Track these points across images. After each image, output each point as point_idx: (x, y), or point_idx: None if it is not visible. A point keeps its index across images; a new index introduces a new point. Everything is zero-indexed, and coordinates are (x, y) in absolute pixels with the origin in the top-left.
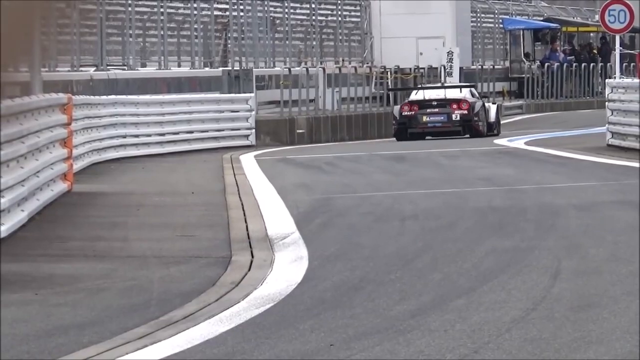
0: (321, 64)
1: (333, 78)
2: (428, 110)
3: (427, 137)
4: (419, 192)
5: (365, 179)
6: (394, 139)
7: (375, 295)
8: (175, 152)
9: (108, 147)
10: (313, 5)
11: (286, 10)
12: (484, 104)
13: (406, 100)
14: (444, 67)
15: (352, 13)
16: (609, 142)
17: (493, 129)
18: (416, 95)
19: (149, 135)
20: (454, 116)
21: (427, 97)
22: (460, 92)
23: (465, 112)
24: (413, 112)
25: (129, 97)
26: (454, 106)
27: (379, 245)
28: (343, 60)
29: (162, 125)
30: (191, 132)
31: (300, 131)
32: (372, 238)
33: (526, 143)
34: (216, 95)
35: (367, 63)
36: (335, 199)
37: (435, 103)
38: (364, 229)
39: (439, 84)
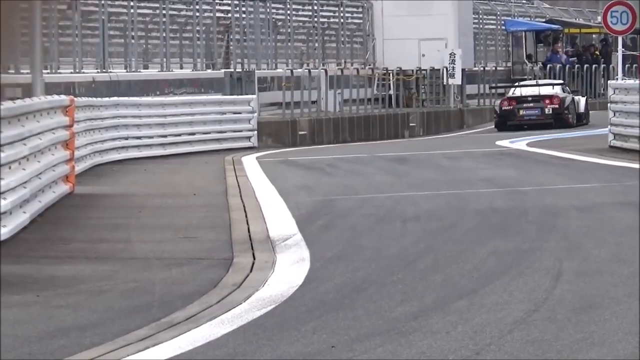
0: (323, 65)
1: (335, 80)
2: (524, 105)
3: (525, 128)
4: (421, 194)
5: (367, 181)
6: (495, 129)
7: (377, 296)
8: (177, 153)
9: (110, 148)
10: (315, 7)
11: (288, 12)
12: (573, 98)
13: (505, 97)
14: (446, 69)
15: (354, 15)
16: (611, 144)
17: (582, 119)
18: (514, 92)
19: (151, 137)
20: (546, 110)
21: (523, 94)
22: (553, 89)
23: (557, 106)
24: (511, 107)
25: (131, 98)
26: (547, 101)
27: (380, 246)
28: (345, 61)
29: (164, 126)
30: (193, 133)
31: (302, 133)
32: (373, 239)
33: (528, 144)
34: (218, 96)
35: (369, 65)
36: (337, 200)
37: (531, 99)
38: (366, 231)
39: (534, 82)
